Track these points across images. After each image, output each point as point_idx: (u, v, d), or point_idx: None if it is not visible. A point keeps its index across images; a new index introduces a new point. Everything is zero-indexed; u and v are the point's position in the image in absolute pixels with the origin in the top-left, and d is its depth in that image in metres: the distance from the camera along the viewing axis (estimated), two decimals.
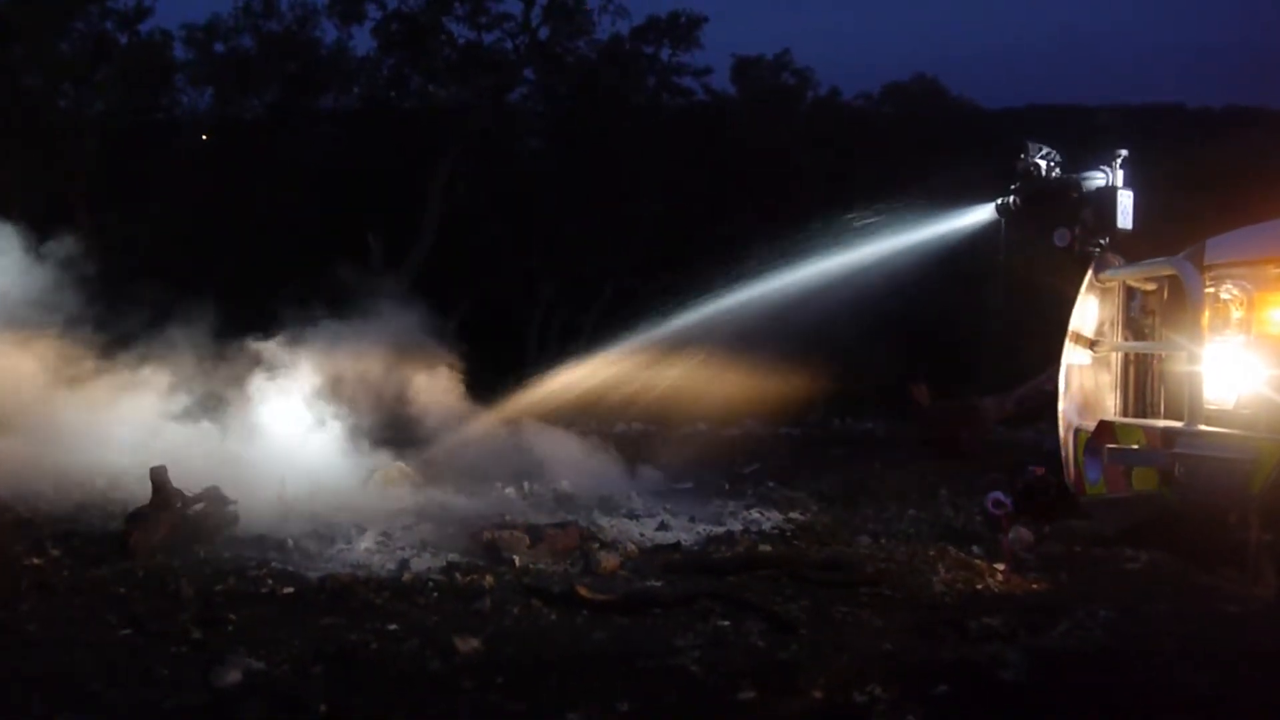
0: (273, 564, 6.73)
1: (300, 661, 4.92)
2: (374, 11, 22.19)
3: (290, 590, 6.17)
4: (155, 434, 9.13)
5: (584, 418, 12.17)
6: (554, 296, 21.05)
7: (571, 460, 10.21)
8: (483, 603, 5.96)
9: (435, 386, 10.60)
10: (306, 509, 8.09)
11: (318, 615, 5.69)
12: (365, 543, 7.41)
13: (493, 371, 11.15)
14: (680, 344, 10.27)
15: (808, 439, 13.60)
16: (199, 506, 7.29)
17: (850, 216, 8.18)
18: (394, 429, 10.07)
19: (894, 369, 15.13)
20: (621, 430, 13.11)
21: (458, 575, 6.64)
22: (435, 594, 6.19)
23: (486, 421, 10.31)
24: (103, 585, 6.11)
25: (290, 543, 7.23)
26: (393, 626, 5.49)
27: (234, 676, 4.64)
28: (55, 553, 6.80)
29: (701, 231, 19.01)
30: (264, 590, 6.17)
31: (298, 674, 4.79)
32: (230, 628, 5.42)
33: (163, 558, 6.69)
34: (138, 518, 7.05)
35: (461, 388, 10.72)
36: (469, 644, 5.11)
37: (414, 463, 9.47)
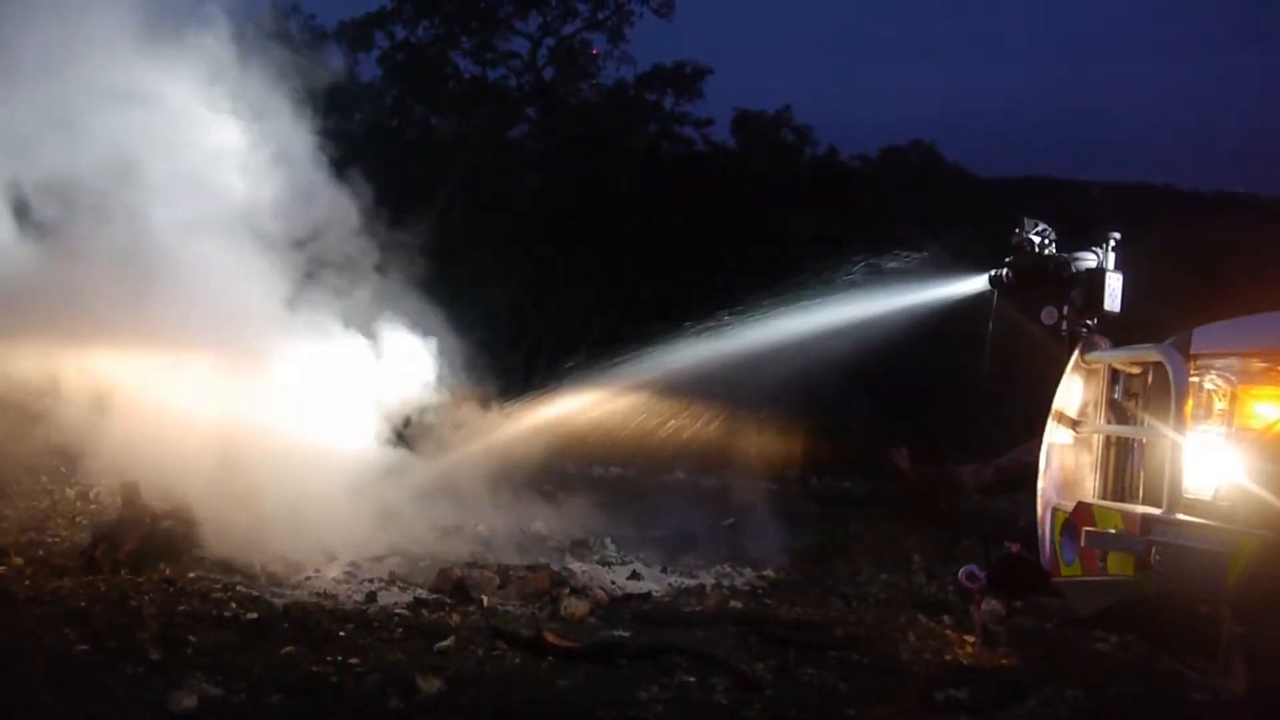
0: (238, 587, 6.66)
1: (258, 690, 4.85)
2: (381, 40, 22.40)
3: (254, 616, 6.10)
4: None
5: (563, 458, 12.09)
6: (541, 334, 21.03)
7: (547, 501, 10.15)
8: (448, 642, 5.91)
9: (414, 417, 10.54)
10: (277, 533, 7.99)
11: (279, 643, 5.62)
12: (333, 572, 7.35)
13: (475, 406, 11.07)
14: (664, 391, 10.25)
15: (785, 494, 13.54)
16: (168, 523, 7.20)
17: (841, 275, 8.22)
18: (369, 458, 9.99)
19: (875, 430, 15.11)
20: (599, 473, 13.04)
21: (424, 612, 6.59)
22: (400, 629, 6.13)
23: (464, 456, 10.23)
24: (64, 597, 6.03)
25: (258, 566, 7.17)
26: (354, 660, 5.43)
27: (189, 701, 4.58)
28: (18, 561, 6.71)
29: (692, 280, 19.06)
30: (227, 614, 6.10)
31: (254, 703, 4.72)
32: (190, 650, 5.35)
33: (127, 574, 6.61)
34: (105, 531, 6.97)
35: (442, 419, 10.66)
36: (431, 683, 5.06)
37: (388, 494, 9.38)
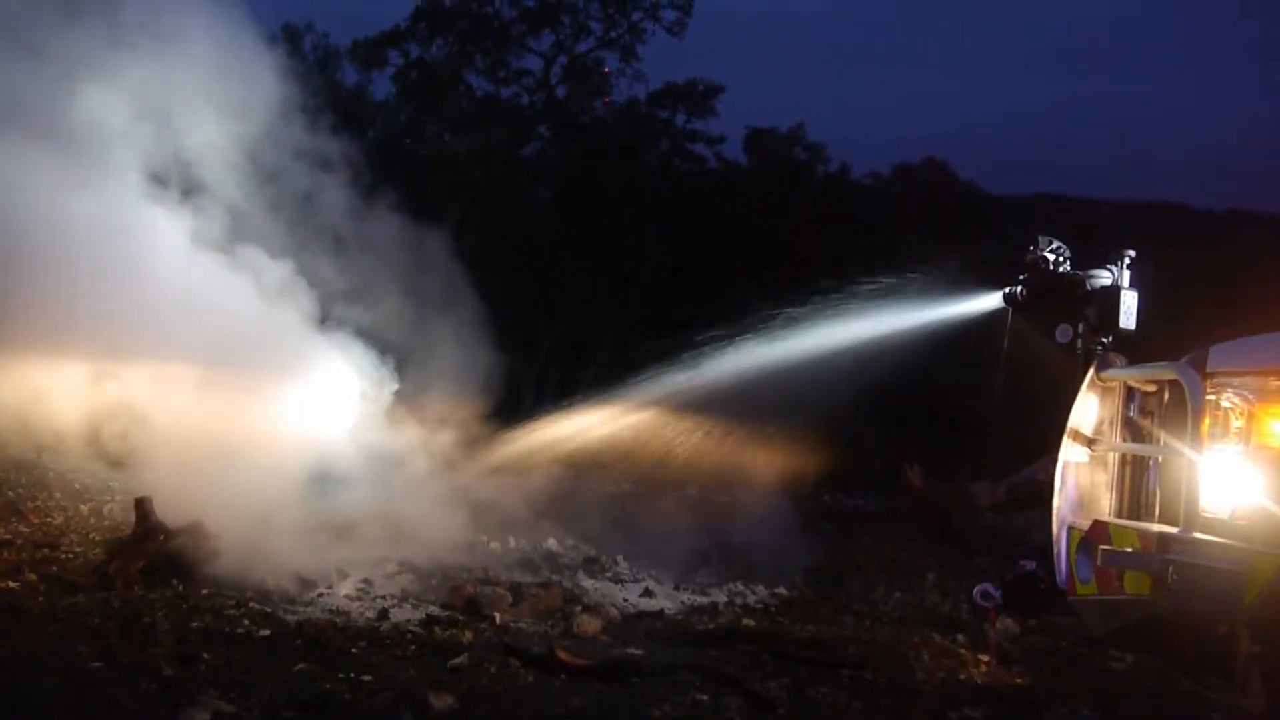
0: (251, 604, 6.66)
1: (271, 708, 4.85)
2: (395, 58, 22.53)
3: (266, 633, 6.11)
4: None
5: (575, 474, 12.08)
6: (553, 349, 21.05)
7: (559, 518, 10.14)
8: (460, 659, 5.90)
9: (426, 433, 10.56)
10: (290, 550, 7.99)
11: (292, 660, 5.62)
12: (346, 589, 7.35)
13: (487, 422, 11.09)
14: (676, 406, 10.25)
15: (798, 511, 13.50)
16: (181, 540, 7.21)
17: (854, 292, 8.22)
18: (381, 474, 9.99)
19: (889, 446, 15.06)
20: (612, 489, 13.02)
21: (437, 629, 6.58)
22: (413, 646, 6.12)
23: (476, 472, 10.24)
24: (77, 614, 6.04)
25: (270, 583, 7.16)
26: (367, 677, 5.42)
27: (202, 717, 4.58)
28: (32, 577, 6.72)
29: (705, 295, 19.06)
30: (240, 631, 6.10)
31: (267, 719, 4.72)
32: (203, 667, 5.36)
33: (140, 590, 6.62)
34: (118, 547, 6.98)
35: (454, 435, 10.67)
36: (444, 701, 5.06)
37: (399, 510, 9.38)
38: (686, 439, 11.13)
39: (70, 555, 7.42)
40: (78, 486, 9.28)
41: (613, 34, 23.66)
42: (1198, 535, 4.41)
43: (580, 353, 20.68)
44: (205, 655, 5.49)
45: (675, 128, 24.17)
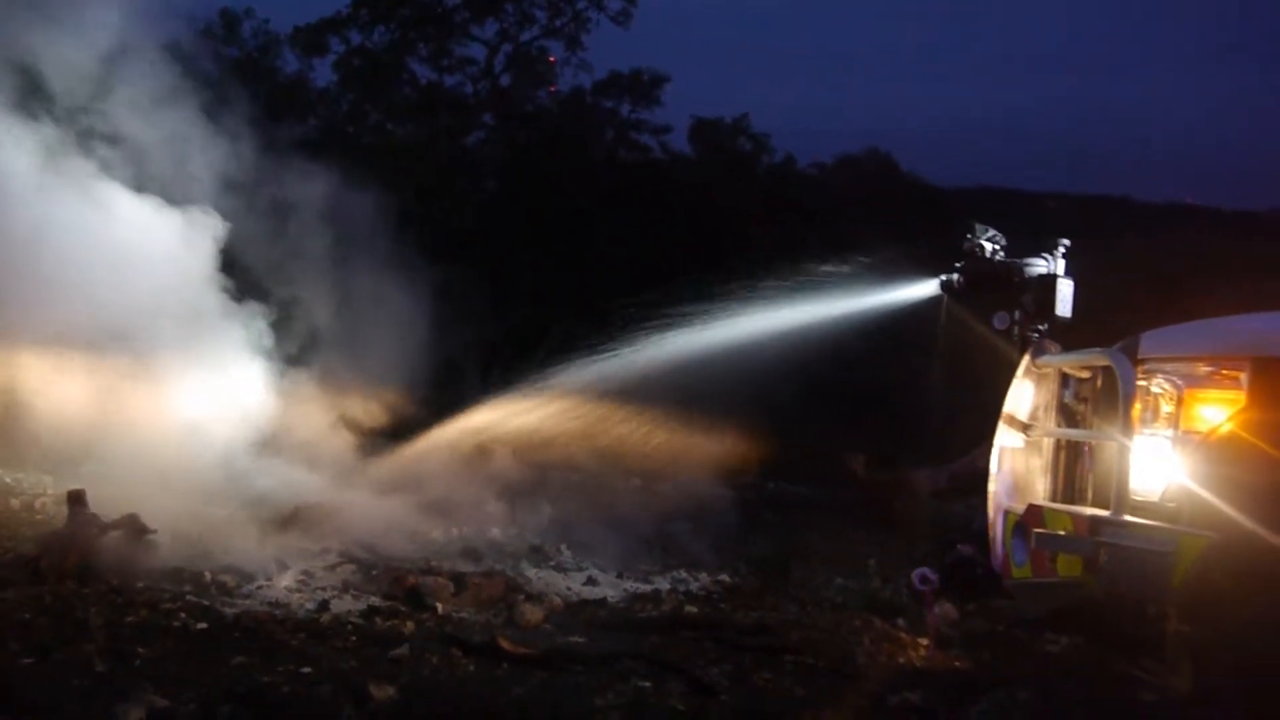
0: (188, 597, 6.55)
1: (208, 702, 4.77)
2: (336, 45, 22.28)
3: (203, 626, 6.01)
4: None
5: (519, 464, 12.05)
6: (500, 338, 20.94)
7: (502, 507, 10.09)
8: (402, 649, 5.85)
9: (367, 423, 10.49)
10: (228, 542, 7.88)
11: (230, 654, 5.54)
12: (286, 581, 7.25)
13: (431, 411, 11.03)
14: (621, 394, 10.26)
15: (741, 500, 13.57)
16: (116, 533, 7.07)
17: (796, 280, 8.27)
18: (323, 464, 9.90)
19: (831, 435, 15.18)
20: (555, 478, 12.98)
21: (378, 619, 6.52)
22: (353, 638, 6.06)
23: (419, 462, 10.17)
24: (8, 610, 5.90)
25: (208, 576, 7.04)
26: (307, 669, 5.36)
27: (137, 713, 4.51)
28: None
29: (648, 284, 19.05)
30: (176, 624, 5.99)
31: (204, 714, 4.66)
32: (138, 662, 5.27)
33: (73, 585, 6.46)
34: (51, 542, 6.83)
35: (398, 425, 10.61)
36: (384, 691, 5.02)
37: (340, 500, 9.30)
38: (630, 428, 11.14)
39: (1, 551, 7.26)
40: (9, 481, 9.08)
41: (557, 23, 23.63)
42: (1128, 518, 4.49)
43: (527, 342, 20.60)
44: (140, 650, 5.40)
45: (620, 117, 24.17)
